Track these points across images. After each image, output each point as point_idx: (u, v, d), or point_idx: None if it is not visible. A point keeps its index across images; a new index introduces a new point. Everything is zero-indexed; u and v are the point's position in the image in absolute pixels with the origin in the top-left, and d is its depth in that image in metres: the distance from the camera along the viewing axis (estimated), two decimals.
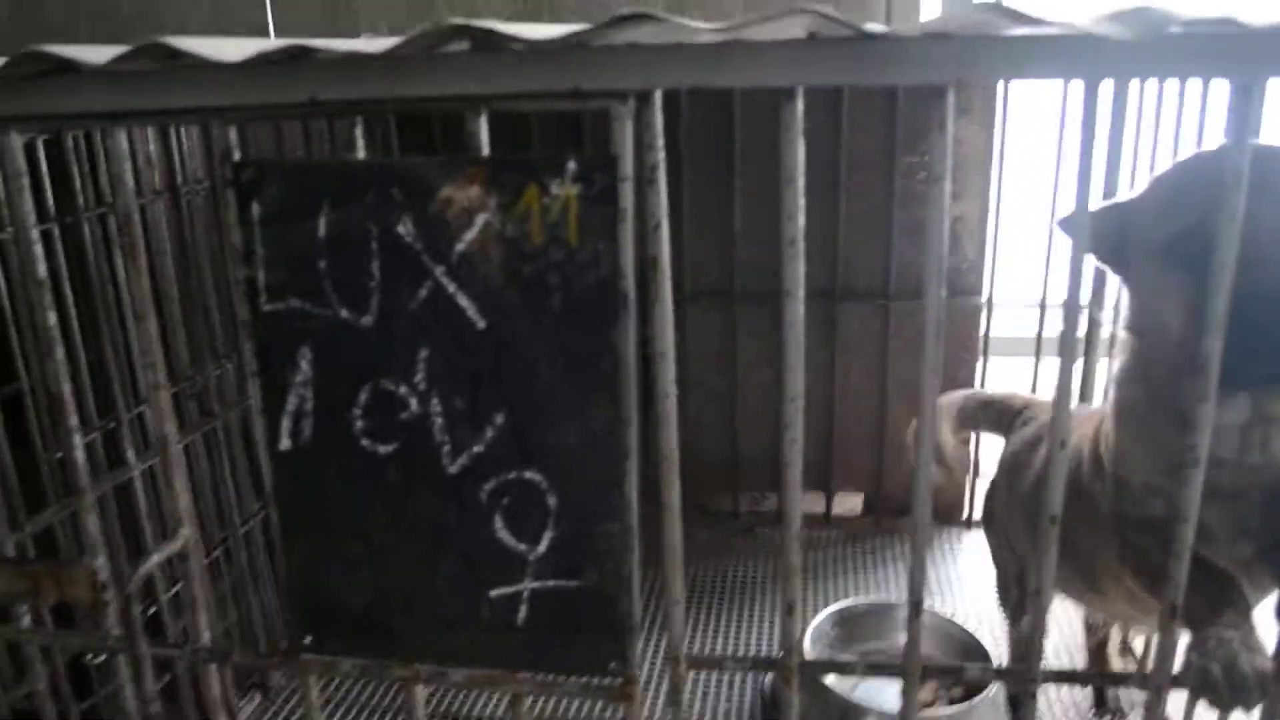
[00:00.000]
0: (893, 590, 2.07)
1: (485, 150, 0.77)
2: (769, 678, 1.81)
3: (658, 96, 0.73)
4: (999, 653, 1.75)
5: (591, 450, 0.81)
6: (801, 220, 0.76)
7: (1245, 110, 0.69)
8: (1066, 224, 1.00)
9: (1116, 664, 1.68)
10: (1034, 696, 0.87)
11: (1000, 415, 1.65)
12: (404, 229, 0.77)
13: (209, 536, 1.60)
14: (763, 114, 2.03)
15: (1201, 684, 0.90)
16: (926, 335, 0.78)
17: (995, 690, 1.61)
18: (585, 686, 0.89)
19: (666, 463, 0.83)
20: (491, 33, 0.70)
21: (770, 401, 2.24)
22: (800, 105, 0.73)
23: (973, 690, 1.63)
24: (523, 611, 0.87)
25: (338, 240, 0.79)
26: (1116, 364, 1.11)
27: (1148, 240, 0.99)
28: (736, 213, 2.09)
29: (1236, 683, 0.88)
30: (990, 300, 2.16)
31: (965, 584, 2.10)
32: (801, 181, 0.75)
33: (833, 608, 1.83)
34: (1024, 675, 0.88)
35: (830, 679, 1.74)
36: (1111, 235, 1.03)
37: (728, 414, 2.24)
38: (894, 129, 2.03)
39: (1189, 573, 0.93)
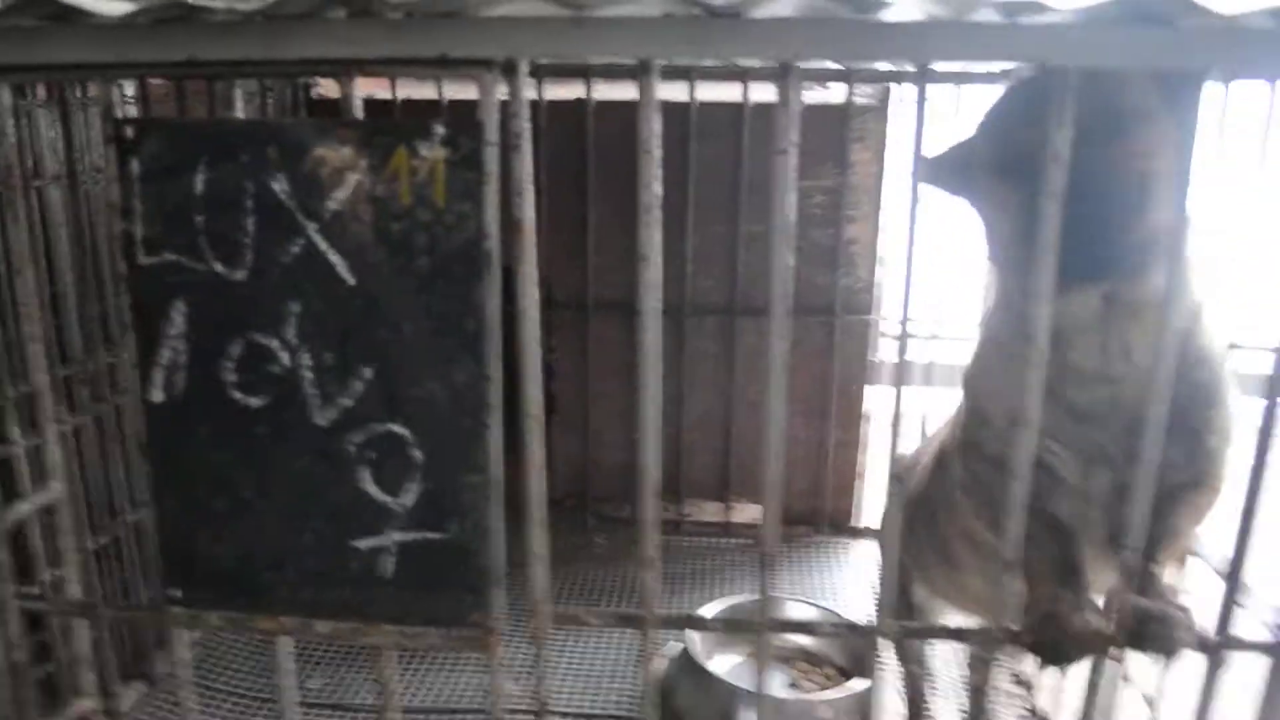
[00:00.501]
0: (787, 592, 2.12)
1: (359, 112, 0.81)
2: (663, 672, 1.85)
3: (523, 66, 0.78)
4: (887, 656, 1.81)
5: (455, 405, 0.85)
6: (658, 190, 0.81)
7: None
8: (918, 172, 1.07)
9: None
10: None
11: None
12: (278, 186, 0.81)
13: (97, 525, 1.60)
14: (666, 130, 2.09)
15: (1034, 643, 0.96)
16: (772, 327, 0.83)
17: (871, 684, 1.68)
18: (447, 637, 0.92)
19: (531, 420, 0.87)
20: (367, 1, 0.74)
21: (669, 414, 2.29)
22: (656, 77, 0.78)
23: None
24: (389, 564, 0.90)
25: (214, 196, 0.82)
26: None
27: (988, 158, 1.04)
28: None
29: (1065, 643, 0.94)
30: (879, 319, 2.25)
31: (855, 586, 2.17)
32: (658, 153, 0.80)
33: (720, 603, 1.88)
34: (872, 631, 0.94)
35: (719, 669, 1.79)
36: (958, 167, 1.08)
37: (628, 425, 2.28)
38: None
39: (1034, 531, 0.99)
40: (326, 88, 2.15)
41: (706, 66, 1.97)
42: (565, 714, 1.73)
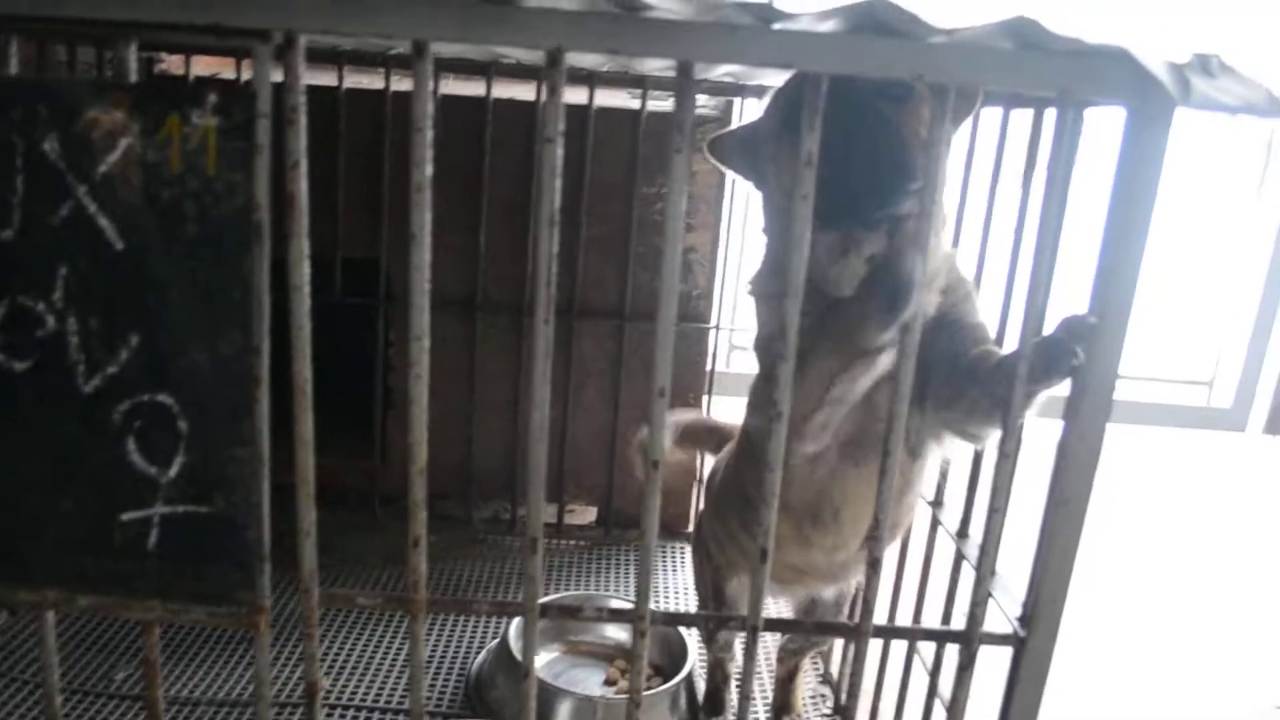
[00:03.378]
0: (621, 593, 2.15)
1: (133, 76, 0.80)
2: (476, 664, 1.86)
3: (301, 41, 0.79)
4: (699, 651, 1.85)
5: (222, 377, 0.85)
6: (429, 170, 0.82)
7: None
8: (713, 145, 1.15)
9: (801, 696, 1.80)
10: (644, 634, 0.95)
11: (721, 441, 1.78)
12: (49, 146, 0.80)
13: None
14: (514, 129, 2.11)
15: None
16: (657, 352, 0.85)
17: (678, 682, 1.72)
18: (214, 613, 0.91)
19: (299, 394, 0.87)
20: None
21: (508, 413, 2.30)
22: (431, 57, 0.80)
23: (665, 679, 1.73)
24: (154, 536, 0.89)
25: None
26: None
27: (770, 132, 1.15)
28: (484, 226, 2.15)
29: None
30: (719, 327, 2.30)
31: (687, 589, 2.22)
32: (430, 132, 0.81)
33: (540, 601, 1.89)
34: (636, 615, 0.97)
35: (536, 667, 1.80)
36: (746, 147, 1.19)
37: (468, 423, 2.28)
38: (634, 160, 2.14)
39: None
40: (170, 64, 2.11)
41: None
42: (373, 709, 1.73)
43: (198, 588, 0.91)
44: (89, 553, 0.90)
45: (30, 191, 0.82)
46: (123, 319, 0.84)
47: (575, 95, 2.09)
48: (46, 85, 0.81)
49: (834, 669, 1.89)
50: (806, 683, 1.83)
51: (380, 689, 1.78)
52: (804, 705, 1.80)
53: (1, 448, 0.88)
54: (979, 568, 1.00)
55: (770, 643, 1.97)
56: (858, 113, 1.04)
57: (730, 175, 1.23)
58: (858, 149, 1.04)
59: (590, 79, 2.03)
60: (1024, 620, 1.00)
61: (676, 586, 2.24)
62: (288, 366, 0.86)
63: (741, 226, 2.35)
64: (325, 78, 2.07)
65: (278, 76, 0.79)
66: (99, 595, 0.92)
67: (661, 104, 2.14)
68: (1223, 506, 3.19)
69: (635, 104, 2.12)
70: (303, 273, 0.84)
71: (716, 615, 1.05)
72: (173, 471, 0.87)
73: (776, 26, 0.76)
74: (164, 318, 0.84)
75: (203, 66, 2.15)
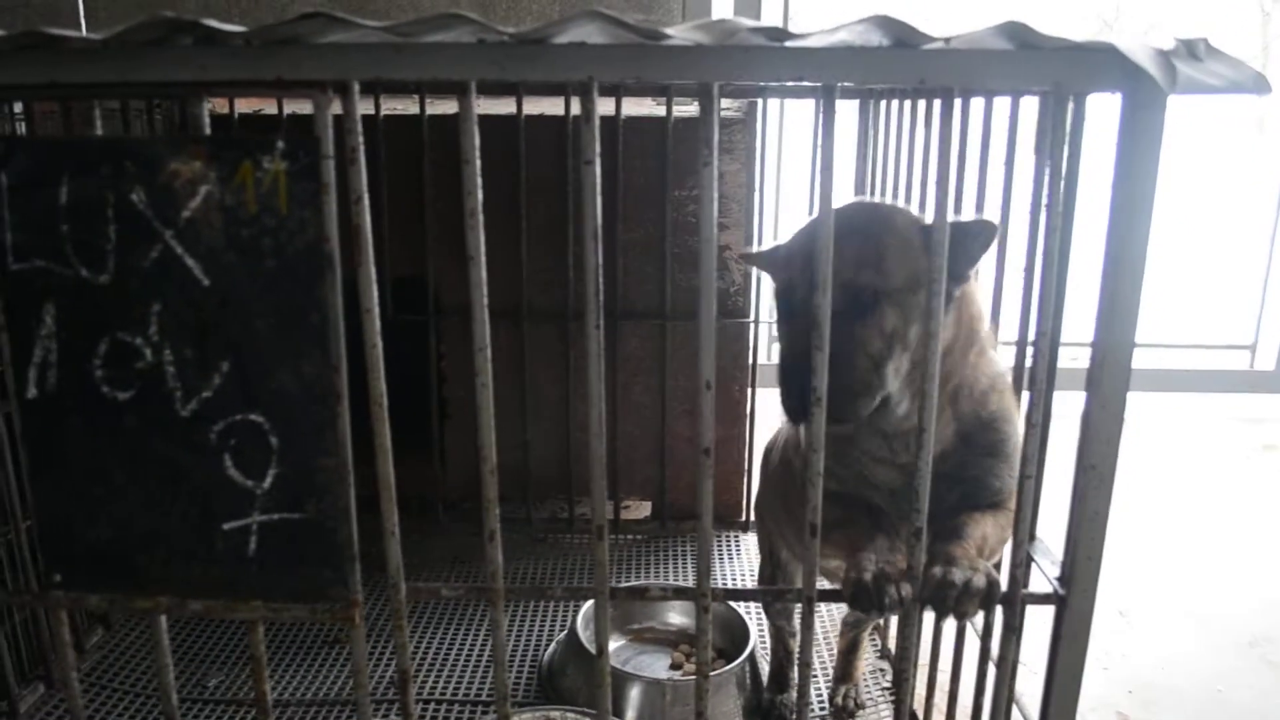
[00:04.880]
0: (681, 583, 2.23)
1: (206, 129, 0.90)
2: (547, 655, 1.95)
3: (355, 87, 0.87)
4: (759, 632, 1.93)
5: (307, 395, 0.94)
6: (479, 196, 0.90)
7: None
8: (745, 258, 1.44)
9: (861, 668, 1.87)
10: (707, 610, 1.03)
11: None
12: (137, 197, 0.89)
13: None
14: (547, 149, 2.19)
15: (853, 594, 1.08)
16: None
17: (741, 661, 1.79)
18: (312, 610, 1.00)
19: (375, 407, 0.96)
20: (211, 28, 0.83)
21: (559, 415, 2.39)
22: (474, 95, 0.88)
23: (728, 661, 1.81)
24: (253, 543, 0.98)
25: (78, 206, 0.90)
26: None
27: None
28: (524, 239, 2.24)
29: (881, 589, 1.06)
30: (757, 321, 2.37)
31: (742, 577, 2.30)
32: (478, 163, 0.90)
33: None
34: (698, 592, 1.04)
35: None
36: (765, 265, 1.38)
37: (520, 428, 2.37)
38: (665, 165, 2.21)
39: (843, 509, 1.12)
40: (215, 104, 2.22)
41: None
42: (454, 701, 1.82)
43: (296, 587, 1.00)
44: (196, 561, 0.99)
45: (122, 239, 0.91)
46: (213, 348, 0.93)
47: (603, 106, 2.17)
48: (131, 143, 0.91)
49: (891, 644, 1.96)
50: (866, 658, 1.89)
51: (460, 682, 1.88)
52: (864, 677, 1.86)
53: (112, 470, 0.97)
54: (1016, 532, 1.07)
55: (838, 614, 2.04)
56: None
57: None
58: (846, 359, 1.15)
59: (617, 90, 2.11)
60: (1063, 580, 1.06)
61: (731, 574, 2.32)
62: (356, 383, 0.95)
63: (773, 223, 2.41)
64: (363, 106, 2.16)
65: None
66: (207, 599, 1.01)
67: (687, 109, 2.22)
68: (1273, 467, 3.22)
69: (661, 111, 2.20)
70: (372, 296, 0.93)
71: (774, 589, 1.13)
72: (267, 483, 0.96)
73: (788, 45, 0.83)
74: (251, 344, 0.93)
75: (244, 104, 2.26)
